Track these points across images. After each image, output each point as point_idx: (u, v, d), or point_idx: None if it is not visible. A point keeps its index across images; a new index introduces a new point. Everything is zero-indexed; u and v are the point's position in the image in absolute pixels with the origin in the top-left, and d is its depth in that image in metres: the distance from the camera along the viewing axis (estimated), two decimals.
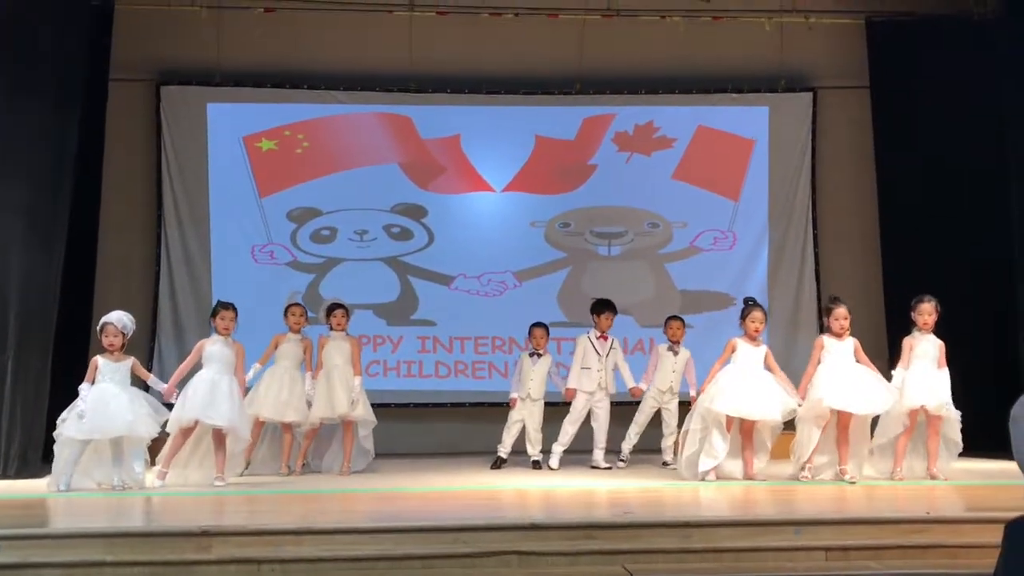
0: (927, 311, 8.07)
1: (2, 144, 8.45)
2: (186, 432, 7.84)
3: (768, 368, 8.16)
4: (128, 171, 10.21)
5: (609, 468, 8.84)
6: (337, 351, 8.73)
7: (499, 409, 9.36)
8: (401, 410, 10.20)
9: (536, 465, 8.95)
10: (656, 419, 9.13)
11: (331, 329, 8.83)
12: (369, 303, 10.33)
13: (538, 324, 9.22)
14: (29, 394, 8.35)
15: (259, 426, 8.62)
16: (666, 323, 9.25)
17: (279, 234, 10.41)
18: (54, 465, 7.53)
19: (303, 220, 10.47)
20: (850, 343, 8.04)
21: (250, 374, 8.42)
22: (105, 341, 7.70)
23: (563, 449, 8.94)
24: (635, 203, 10.71)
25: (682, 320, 9.31)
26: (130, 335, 7.83)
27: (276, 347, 8.73)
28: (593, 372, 8.94)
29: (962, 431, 8.00)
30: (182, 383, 7.96)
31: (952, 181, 10.01)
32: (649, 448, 9.18)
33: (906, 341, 8.13)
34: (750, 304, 8.36)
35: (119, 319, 7.75)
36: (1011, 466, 3.07)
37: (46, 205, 8.54)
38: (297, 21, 10.30)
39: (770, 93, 10.70)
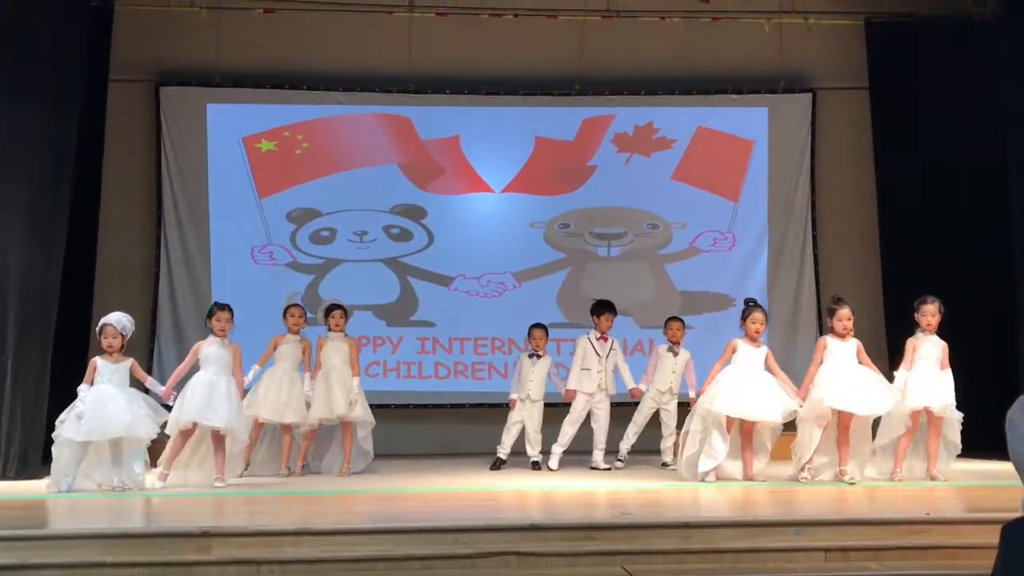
0: (931, 312, 8.07)
1: (2, 144, 8.45)
2: (186, 434, 7.84)
3: (769, 369, 8.16)
4: (128, 172, 10.21)
5: (608, 469, 8.84)
6: (335, 352, 8.73)
7: (499, 410, 9.37)
8: (401, 411, 10.20)
9: (535, 466, 8.96)
10: (655, 420, 9.13)
11: (329, 330, 8.83)
12: (369, 304, 10.33)
13: (537, 325, 9.22)
14: (29, 394, 8.35)
15: (258, 427, 8.62)
16: (666, 324, 9.25)
17: (279, 235, 10.41)
18: (53, 466, 7.54)
19: (303, 221, 10.47)
20: (853, 344, 8.04)
21: (249, 375, 8.43)
22: (104, 342, 7.71)
23: (562, 450, 8.94)
24: (635, 204, 10.72)
25: (682, 321, 9.31)
26: (129, 336, 7.83)
27: (275, 348, 8.73)
28: (593, 373, 8.94)
29: (962, 432, 8.00)
30: (180, 385, 7.96)
31: (952, 181, 10.01)
32: (649, 449, 9.18)
33: (910, 342, 8.13)
34: (750, 305, 8.36)
35: (118, 320, 7.75)
36: (1010, 467, 3.07)
37: (46, 205, 8.54)
38: (297, 22, 10.30)
39: (769, 94, 10.70)
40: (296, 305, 8.93)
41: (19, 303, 8.37)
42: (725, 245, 10.67)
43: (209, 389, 7.79)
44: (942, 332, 8.12)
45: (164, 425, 7.78)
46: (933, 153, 10.05)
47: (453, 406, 10.37)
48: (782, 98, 10.71)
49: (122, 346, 7.75)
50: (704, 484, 7.83)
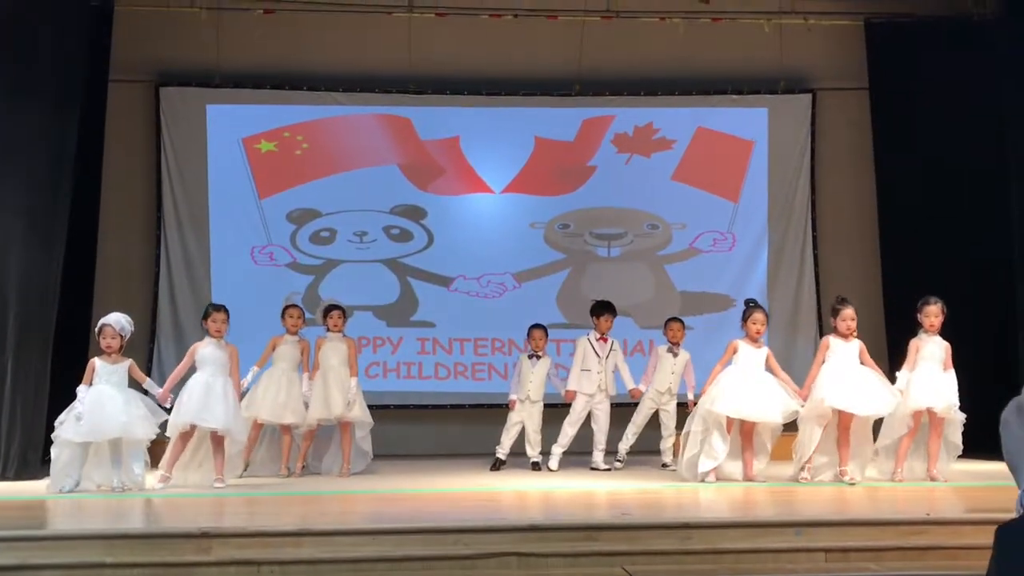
0: (934, 313, 8.07)
1: (2, 144, 8.45)
2: (185, 436, 7.84)
3: (770, 369, 8.16)
4: (128, 172, 10.21)
5: (609, 469, 8.84)
6: (333, 352, 8.73)
7: (499, 410, 9.37)
8: (401, 411, 10.20)
9: (535, 467, 8.95)
10: (655, 420, 9.12)
11: (328, 330, 8.83)
12: (369, 304, 10.33)
13: (537, 326, 9.22)
14: (29, 395, 8.35)
15: (258, 428, 8.62)
16: (666, 325, 9.25)
17: (278, 235, 10.41)
18: (52, 466, 7.53)
19: (302, 221, 10.47)
20: (856, 345, 8.03)
21: (248, 376, 8.43)
22: (103, 343, 7.71)
23: (562, 451, 8.94)
24: (635, 204, 10.72)
25: (682, 322, 9.31)
26: (128, 337, 7.83)
27: (273, 349, 8.72)
28: (593, 374, 8.93)
29: (963, 433, 8.00)
30: (178, 387, 7.96)
31: (952, 181, 10.01)
32: (648, 450, 9.17)
33: (913, 343, 8.13)
34: (751, 305, 8.36)
35: (117, 321, 7.75)
36: None
37: (46, 206, 8.53)
38: (296, 22, 10.30)
39: (769, 95, 10.70)
40: (294, 306, 8.93)
41: (19, 303, 8.37)
42: (725, 245, 10.67)
43: (206, 391, 7.79)
44: (943, 332, 8.12)
45: (164, 426, 7.78)
46: (933, 153, 10.05)
47: (453, 407, 10.37)
48: (782, 98, 10.71)
49: (121, 347, 7.75)
50: (704, 484, 7.82)
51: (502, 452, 9.00)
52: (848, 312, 8.02)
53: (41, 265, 8.48)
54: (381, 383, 10.20)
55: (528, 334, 9.21)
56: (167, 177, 10.21)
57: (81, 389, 7.57)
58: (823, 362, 8.04)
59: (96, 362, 7.68)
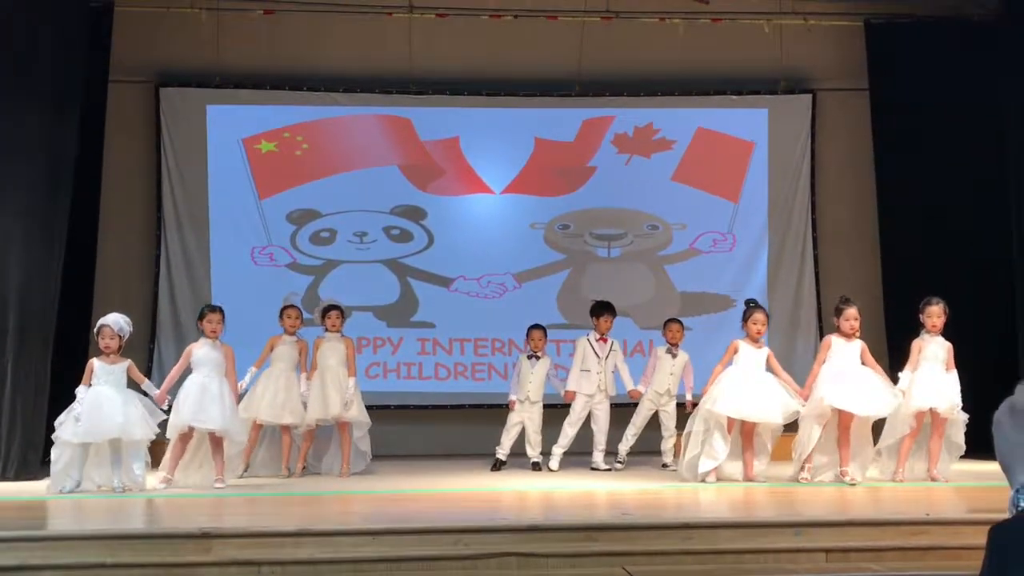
0: (936, 313, 8.06)
1: (2, 144, 8.44)
2: (185, 438, 7.85)
3: (771, 369, 8.16)
4: (127, 173, 10.20)
5: (609, 470, 8.84)
6: (331, 352, 8.73)
7: (499, 411, 9.36)
8: (401, 412, 10.20)
9: (536, 467, 8.95)
10: (655, 421, 9.12)
11: (326, 330, 8.83)
12: (369, 305, 10.33)
13: (536, 326, 9.22)
14: (29, 395, 8.35)
15: (257, 429, 8.61)
16: (665, 326, 9.25)
17: (279, 236, 10.40)
18: (53, 467, 7.53)
19: (303, 222, 10.47)
20: (857, 345, 8.04)
21: (246, 377, 8.42)
22: (101, 343, 7.71)
23: (563, 451, 8.94)
24: (635, 205, 10.71)
25: (680, 323, 9.30)
26: (126, 337, 7.82)
27: (271, 349, 8.71)
28: (592, 374, 8.93)
29: (964, 433, 8.00)
30: (176, 388, 7.95)
31: (951, 182, 10.01)
32: (649, 450, 9.17)
33: (915, 343, 8.12)
34: (751, 306, 8.37)
35: (115, 321, 7.75)
36: None
37: (46, 206, 8.53)
38: (296, 23, 10.30)
39: (769, 95, 10.70)
40: (292, 306, 8.92)
41: (19, 303, 8.37)
42: (725, 246, 10.67)
43: (202, 392, 7.79)
44: (944, 332, 8.12)
45: (164, 426, 7.78)
46: (933, 153, 10.05)
47: (453, 407, 10.37)
48: (782, 99, 10.70)
49: (119, 347, 7.74)
50: (704, 485, 7.82)
51: (502, 453, 9.00)
52: (851, 312, 8.02)
53: (41, 265, 8.48)
54: (381, 383, 10.20)
55: (527, 334, 9.21)
56: (167, 177, 10.20)
57: (80, 390, 7.57)
58: (824, 361, 8.03)
59: (95, 363, 7.68)
